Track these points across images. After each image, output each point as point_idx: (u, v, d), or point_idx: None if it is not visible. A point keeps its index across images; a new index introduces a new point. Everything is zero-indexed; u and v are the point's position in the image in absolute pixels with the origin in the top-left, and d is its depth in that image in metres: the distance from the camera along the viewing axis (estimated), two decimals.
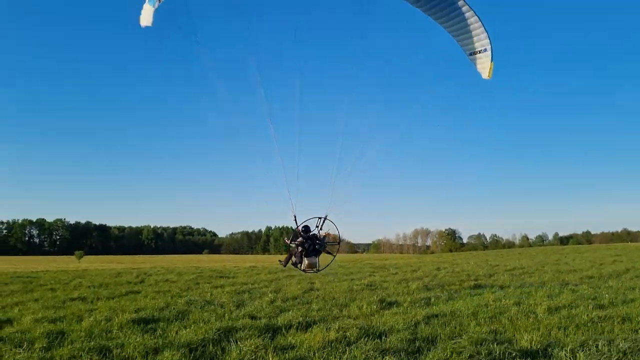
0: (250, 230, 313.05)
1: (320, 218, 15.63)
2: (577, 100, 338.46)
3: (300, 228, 15.46)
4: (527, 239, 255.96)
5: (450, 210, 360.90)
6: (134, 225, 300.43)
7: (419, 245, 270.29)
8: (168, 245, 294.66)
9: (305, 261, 15.43)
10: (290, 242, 15.71)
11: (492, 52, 16.08)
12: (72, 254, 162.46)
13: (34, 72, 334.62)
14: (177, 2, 14.56)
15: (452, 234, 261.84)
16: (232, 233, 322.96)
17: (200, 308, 19.87)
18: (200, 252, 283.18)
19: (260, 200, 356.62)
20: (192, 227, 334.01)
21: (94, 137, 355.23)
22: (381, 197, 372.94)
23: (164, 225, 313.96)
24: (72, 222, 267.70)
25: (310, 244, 15.43)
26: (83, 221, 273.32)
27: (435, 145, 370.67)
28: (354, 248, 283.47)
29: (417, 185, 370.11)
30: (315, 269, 15.79)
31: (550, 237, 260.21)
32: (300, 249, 15.46)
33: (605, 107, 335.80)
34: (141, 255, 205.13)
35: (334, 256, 16.75)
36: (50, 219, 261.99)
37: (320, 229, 15.79)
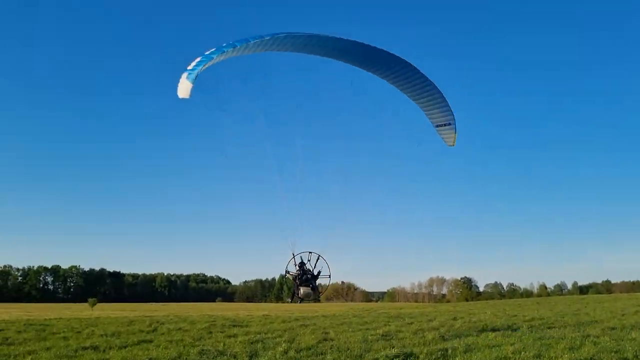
0: (264, 278, 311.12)
1: (311, 252, 18.08)
2: (595, 146, 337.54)
3: (296, 262, 17.86)
4: (546, 288, 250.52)
5: (466, 258, 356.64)
6: (147, 273, 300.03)
7: (434, 293, 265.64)
8: (181, 292, 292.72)
9: (301, 290, 18.02)
10: (287, 274, 18.37)
11: (455, 125, 18.60)
12: (85, 301, 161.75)
13: (55, 122, 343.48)
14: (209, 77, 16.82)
15: (468, 283, 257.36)
16: (246, 281, 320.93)
17: (213, 359, 19.60)
18: (213, 300, 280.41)
19: (274, 247, 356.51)
20: (206, 274, 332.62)
21: (108, 184, 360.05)
22: (396, 245, 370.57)
23: (178, 272, 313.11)
24: (87, 268, 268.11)
25: (303, 276, 18.08)
26: (97, 268, 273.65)
27: (448, 192, 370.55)
28: (368, 296, 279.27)
29: (432, 233, 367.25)
30: (311, 298, 18.11)
31: (569, 286, 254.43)
32: (296, 280, 18.06)
33: (625, 152, 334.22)
34: (154, 303, 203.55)
35: (322, 291, 19.26)
36: (65, 265, 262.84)
37: (309, 260, 18.21)
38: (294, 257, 17.79)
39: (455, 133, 18.84)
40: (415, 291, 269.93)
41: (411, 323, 38.10)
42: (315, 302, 18.93)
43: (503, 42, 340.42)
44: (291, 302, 19.62)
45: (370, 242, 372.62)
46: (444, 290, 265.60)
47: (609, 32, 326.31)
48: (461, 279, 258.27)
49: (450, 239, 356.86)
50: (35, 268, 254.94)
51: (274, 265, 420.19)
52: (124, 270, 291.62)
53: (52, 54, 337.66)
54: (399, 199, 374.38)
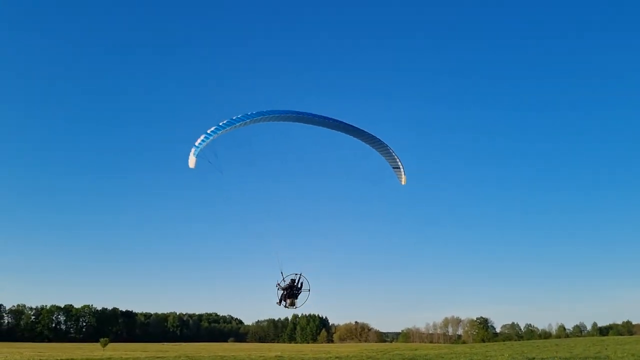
0: (276, 318, 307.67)
1: (297, 274, 24.84)
2: (615, 184, 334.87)
3: (286, 281, 24.94)
4: (564, 329, 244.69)
5: (482, 297, 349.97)
6: (159, 312, 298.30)
7: (449, 334, 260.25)
8: (193, 332, 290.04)
9: (288, 300, 25.01)
10: (279, 289, 25.04)
11: (403, 169, 24.49)
12: (97, 340, 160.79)
13: (72, 162, 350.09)
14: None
15: (484, 323, 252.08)
16: (259, 321, 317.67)
17: None
18: (225, 340, 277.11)
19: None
20: (218, 314, 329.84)
21: (120, 224, 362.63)
22: (410, 284, 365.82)
23: (190, 312, 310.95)
24: (99, 308, 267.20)
25: (290, 291, 24.88)
26: (109, 307, 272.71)
27: (464, 231, 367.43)
28: (382, 337, 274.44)
29: (447, 272, 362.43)
30: (294, 307, 25.19)
31: (589, 327, 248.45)
32: (285, 293, 25.00)
33: None
34: (166, 343, 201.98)
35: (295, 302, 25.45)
36: (77, 304, 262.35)
37: (300, 279, 25.07)
38: (282, 274, 24.71)
39: (404, 176, 24.78)
40: (431, 332, 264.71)
41: None
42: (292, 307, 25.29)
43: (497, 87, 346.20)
44: (279, 305, 25.33)
45: (384, 282, 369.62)
46: (460, 331, 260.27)
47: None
48: (477, 319, 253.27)
49: (466, 278, 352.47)
50: (48, 307, 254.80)
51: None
52: (136, 309, 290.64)
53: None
54: (412, 238, 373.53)
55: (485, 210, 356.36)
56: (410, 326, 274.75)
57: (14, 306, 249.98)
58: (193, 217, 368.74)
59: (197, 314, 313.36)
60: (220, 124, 21.27)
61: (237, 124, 21.05)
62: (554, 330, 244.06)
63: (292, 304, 24.55)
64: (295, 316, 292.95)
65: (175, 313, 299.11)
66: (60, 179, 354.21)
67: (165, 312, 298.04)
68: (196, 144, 21.10)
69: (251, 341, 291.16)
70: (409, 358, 48.05)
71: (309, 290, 24.35)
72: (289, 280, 24.37)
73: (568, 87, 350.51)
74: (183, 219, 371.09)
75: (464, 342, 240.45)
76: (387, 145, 23.83)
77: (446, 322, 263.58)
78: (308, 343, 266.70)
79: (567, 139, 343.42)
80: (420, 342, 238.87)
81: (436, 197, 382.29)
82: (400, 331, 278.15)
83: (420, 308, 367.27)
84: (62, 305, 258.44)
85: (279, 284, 24.44)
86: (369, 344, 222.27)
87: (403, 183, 24.05)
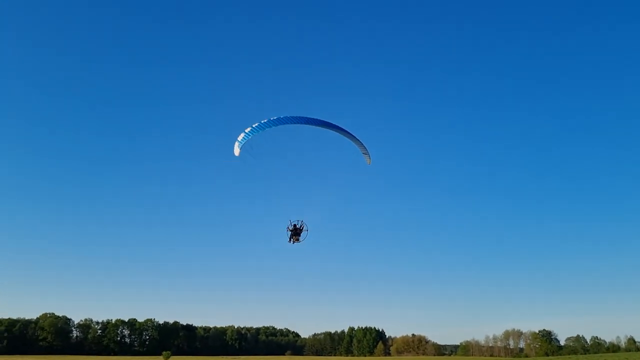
0: (333, 331, 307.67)
1: (299, 220, 35.34)
2: None
3: (294, 224, 35.56)
4: (634, 341, 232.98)
5: (544, 308, 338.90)
6: (218, 326, 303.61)
7: (511, 347, 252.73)
8: (251, 345, 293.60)
9: (294, 238, 35.42)
10: (288, 231, 35.54)
11: (369, 153, 33.04)
12: (160, 354, 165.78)
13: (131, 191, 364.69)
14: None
15: (547, 336, 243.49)
16: (315, 334, 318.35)
17: None
18: (282, 353, 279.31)
19: (342, 300, 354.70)
20: (275, 327, 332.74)
21: (180, 242, 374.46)
22: (468, 295, 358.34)
23: (248, 325, 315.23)
24: (161, 322, 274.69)
25: (295, 231, 35.37)
26: (171, 321, 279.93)
27: (524, 240, 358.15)
28: (440, 350, 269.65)
29: (508, 282, 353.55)
30: (299, 241, 35.22)
31: None
32: (292, 233, 35.69)
33: None
34: (225, 356, 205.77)
35: (299, 239, 36.14)
36: (141, 318, 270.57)
37: (301, 224, 35.80)
38: (290, 221, 34.29)
39: (370, 159, 33.85)
40: (491, 344, 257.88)
41: None
42: (297, 242, 35.26)
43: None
44: (289, 242, 34.89)
45: (442, 293, 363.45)
46: (522, 344, 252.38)
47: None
48: (539, 331, 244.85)
49: (528, 289, 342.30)
50: (113, 321, 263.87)
51: (342, 318, 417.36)
52: (196, 323, 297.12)
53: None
54: (471, 249, 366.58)
55: (547, 220, 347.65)
56: (469, 339, 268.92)
57: (81, 320, 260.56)
58: (250, 234, 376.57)
59: (254, 327, 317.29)
60: (254, 125, 28.29)
61: (270, 127, 27.88)
62: (622, 343, 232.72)
63: (297, 240, 34.09)
64: (351, 329, 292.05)
65: (234, 326, 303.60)
66: (125, 198, 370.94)
67: (224, 326, 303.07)
68: (239, 139, 28.53)
69: (308, 354, 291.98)
70: None
71: (307, 230, 33.18)
72: (293, 226, 33.90)
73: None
74: (240, 235, 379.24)
75: (526, 356, 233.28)
76: (360, 140, 32.58)
77: (507, 334, 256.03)
78: (365, 356, 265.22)
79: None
80: (480, 356, 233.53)
81: (496, 208, 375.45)
82: (459, 344, 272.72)
83: (479, 320, 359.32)
84: (127, 319, 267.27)
85: (288, 228, 33.49)
86: (427, 357, 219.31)
87: (368, 163, 33.28)
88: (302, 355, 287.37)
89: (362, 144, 30.04)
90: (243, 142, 26.88)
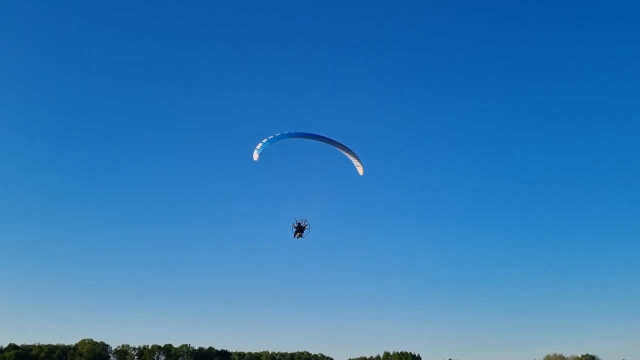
0: (368, 356, 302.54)
1: (303, 219, 41.27)
2: None
3: (299, 222, 41.96)
4: None
5: (588, 331, 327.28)
6: (253, 351, 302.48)
7: None
8: None
9: (298, 234, 41.21)
10: (293, 227, 41.15)
11: (361, 163, 35.81)
12: None
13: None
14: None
15: None
16: (350, 359, 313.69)
17: None
18: None
19: (377, 323, 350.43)
20: (310, 352, 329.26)
21: (212, 265, 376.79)
22: (508, 316, 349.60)
23: (282, 350, 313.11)
24: (196, 347, 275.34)
25: (299, 228, 41.59)
26: (206, 346, 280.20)
27: (565, 256, 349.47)
28: None
29: (548, 302, 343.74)
30: (302, 237, 40.79)
31: None
32: (296, 229, 42.07)
33: None
34: None
35: (302, 235, 41.97)
36: (176, 344, 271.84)
37: (305, 222, 42.01)
38: (295, 219, 38.10)
39: (363, 170, 36.51)
40: None
41: None
42: (300, 237, 40.07)
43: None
44: (294, 237, 38.20)
45: (480, 315, 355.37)
46: None
47: None
48: (583, 356, 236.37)
49: (570, 309, 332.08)
50: (149, 347, 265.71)
51: (377, 342, 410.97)
52: (231, 348, 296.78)
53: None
54: (511, 267, 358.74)
55: (589, 236, 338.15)
56: None
57: (119, 346, 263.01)
58: (283, 259, 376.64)
59: (289, 352, 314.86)
60: (270, 137, 32.99)
61: (281, 140, 32.28)
62: None
63: (300, 236, 38.13)
64: (387, 354, 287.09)
65: (268, 352, 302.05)
66: (164, 224, 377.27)
67: (259, 351, 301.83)
68: (257, 147, 33.02)
69: None
70: None
71: (309, 228, 37.04)
72: (297, 223, 38.11)
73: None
74: (274, 261, 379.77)
75: None
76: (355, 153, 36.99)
77: (548, 359, 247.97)
78: None
79: None
80: None
81: (536, 225, 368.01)
82: None
83: (520, 343, 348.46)
84: (162, 345, 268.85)
85: (293, 225, 37.40)
86: None
87: (361, 174, 36.07)
88: None
89: (356, 156, 34.01)
90: (261, 150, 32.03)
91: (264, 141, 32.00)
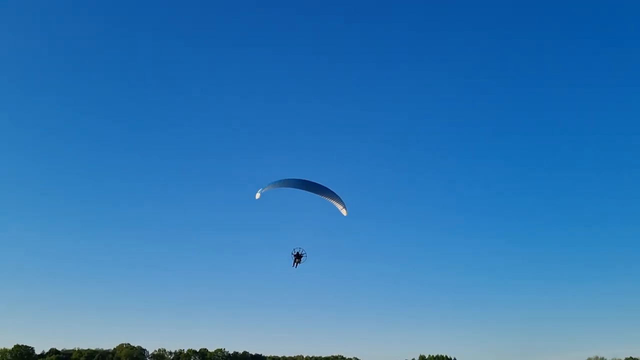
0: (403, 359, 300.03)
1: (301, 248, 45.16)
2: None
3: (297, 251, 45.86)
4: None
5: (632, 332, 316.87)
6: (287, 355, 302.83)
7: None
8: None
9: (297, 262, 44.74)
10: (292, 255, 45.65)
11: (344, 205, 40.79)
12: None
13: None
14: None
15: None
16: None
17: None
18: None
19: (410, 325, 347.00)
20: (344, 356, 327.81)
21: (248, 270, 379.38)
22: (547, 318, 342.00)
23: (317, 354, 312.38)
24: (231, 351, 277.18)
25: (297, 256, 45.94)
26: (240, 351, 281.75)
27: (606, 253, 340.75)
28: None
29: (591, 303, 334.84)
30: (299, 263, 44.74)
31: None
32: (295, 258, 46.39)
33: None
34: None
35: (300, 261, 45.01)
36: (211, 348, 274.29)
37: (301, 251, 46.06)
38: (294, 249, 41.06)
39: (346, 211, 39.89)
40: None
41: None
42: (298, 264, 42.19)
43: None
44: (293, 267, 40.90)
45: (518, 317, 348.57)
46: None
47: None
48: (627, 359, 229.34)
49: (613, 310, 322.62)
50: (185, 351, 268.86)
51: (412, 345, 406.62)
52: (265, 352, 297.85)
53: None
54: (550, 268, 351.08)
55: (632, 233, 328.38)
56: None
57: (155, 351, 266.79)
58: (317, 264, 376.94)
59: (323, 356, 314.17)
60: (274, 182, 39.27)
61: (282, 185, 38.58)
62: None
63: (299, 262, 39.93)
64: (422, 357, 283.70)
65: (302, 356, 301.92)
66: (196, 229, 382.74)
67: (293, 355, 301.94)
68: (259, 190, 38.76)
69: None
70: None
71: (306, 255, 40.14)
72: (296, 253, 40.87)
73: None
74: (306, 264, 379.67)
75: None
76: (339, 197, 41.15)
77: None
78: None
79: None
80: None
81: (577, 221, 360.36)
82: None
83: (559, 346, 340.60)
84: (198, 349, 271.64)
85: (292, 254, 39.91)
86: None
87: (345, 214, 39.84)
88: None
89: (341, 200, 38.61)
90: (262, 191, 37.95)
91: (267, 186, 38.20)
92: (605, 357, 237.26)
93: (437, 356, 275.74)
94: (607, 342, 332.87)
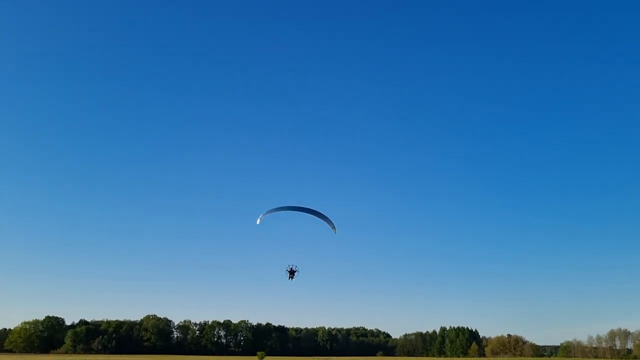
0: (424, 331, 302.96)
1: (294, 265, 42.10)
2: None
3: (291, 268, 41.91)
4: None
5: None
6: (309, 327, 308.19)
7: (617, 348, 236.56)
8: (342, 346, 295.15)
9: (291, 276, 41.64)
10: (287, 271, 41.88)
11: (333, 225, 41.87)
12: (254, 354, 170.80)
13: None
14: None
15: None
16: (406, 334, 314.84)
17: None
18: (374, 354, 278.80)
19: (433, 298, 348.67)
20: (366, 327, 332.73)
21: (271, 246, 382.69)
22: (569, 292, 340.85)
23: (338, 326, 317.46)
24: (254, 323, 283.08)
25: (292, 272, 41.83)
26: (264, 322, 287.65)
27: (628, 229, 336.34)
28: (539, 351, 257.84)
29: (613, 277, 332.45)
30: (294, 278, 42.03)
31: None
32: (290, 273, 41.84)
33: None
34: (317, 357, 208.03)
35: (294, 274, 42.49)
36: (235, 320, 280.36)
37: (294, 268, 42.34)
38: (288, 265, 41.80)
39: (335, 230, 42.62)
40: (594, 345, 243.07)
41: None
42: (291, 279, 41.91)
43: None
44: (289, 279, 41.83)
45: (539, 290, 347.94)
46: (630, 345, 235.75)
47: None
48: None
49: (635, 283, 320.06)
50: (210, 323, 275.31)
51: (434, 318, 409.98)
52: (288, 324, 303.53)
53: None
54: (571, 241, 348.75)
55: None
56: (570, 339, 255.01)
57: (181, 322, 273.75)
58: (340, 236, 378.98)
59: (345, 328, 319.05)
60: (271, 209, 41.75)
61: (280, 210, 41.61)
62: None
63: (292, 277, 41.85)
64: (443, 329, 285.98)
65: (325, 328, 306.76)
66: (221, 204, 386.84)
67: (315, 327, 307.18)
68: (260, 216, 41.62)
69: (400, 355, 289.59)
70: None
71: (298, 271, 41.84)
72: (290, 269, 41.72)
73: None
74: (329, 238, 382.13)
75: (634, 358, 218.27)
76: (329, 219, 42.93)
77: (612, 334, 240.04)
78: (458, 357, 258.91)
79: None
80: (583, 357, 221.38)
81: (598, 193, 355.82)
82: (560, 345, 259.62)
83: (581, 319, 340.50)
84: (222, 321, 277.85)
85: (286, 270, 41.55)
86: (525, 358, 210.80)
87: (335, 232, 42.80)
88: (394, 356, 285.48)
89: (331, 221, 42.06)
90: (262, 217, 41.34)
91: (266, 213, 41.87)
92: (628, 329, 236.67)
93: (459, 327, 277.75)
94: (630, 315, 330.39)
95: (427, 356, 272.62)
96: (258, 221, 42.13)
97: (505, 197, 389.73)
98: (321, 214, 43.46)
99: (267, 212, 42.15)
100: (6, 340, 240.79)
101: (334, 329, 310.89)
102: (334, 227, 43.01)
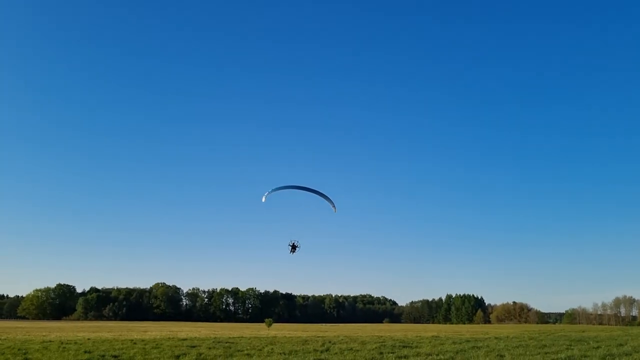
0: (430, 299, 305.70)
1: (296, 240, 42.82)
2: None
3: (293, 243, 42.47)
4: None
5: None
6: (316, 294, 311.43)
7: (622, 315, 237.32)
8: (349, 313, 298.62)
9: (293, 250, 42.31)
10: (289, 245, 42.38)
11: (333, 204, 42.86)
12: (262, 321, 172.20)
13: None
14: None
15: None
16: (412, 301, 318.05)
17: None
18: (380, 321, 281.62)
19: (438, 267, 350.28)
20: (372, 295, 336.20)
21: (278, 215, 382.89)
22: (574, 259, 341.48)
23: (345, 293, 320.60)
24: (262, 290, 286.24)
25: (294, 246, 42.38)
26: (271, 290, 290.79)
27: (634, 196, 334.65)
28: (544, 318, 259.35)
29: (617, 244, 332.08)
30: (295, 252, 42.61)
31: None
32: (292, 247, 42.31)
33: None
34: (324, 324, 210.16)
35: (295, 249, 42.86)
36: (243, 288, 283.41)
37: (297, 243, 42.84)
38: (290, 240, 42.34)
39: (335, 209, 43.17)
40: (599, 312, 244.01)
41: (597, 347, 34.95)
42: (293, 253, 42.81)
43: None
44: (290, 253, 42.60)
45: (542, 259, 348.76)
46: (634, 312, 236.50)
47: None
48: None
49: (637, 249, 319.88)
50: (218, 290, 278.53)
51: (440, 285, 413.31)
52: (295, 292, 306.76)
53: None
54: (576, 209, 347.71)
55: None
56: (575, 306, 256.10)
57: (190, 289, 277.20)
58: (345, 205, 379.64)
59: (352, 295, 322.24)
60: (275, 187, 42.52)
61: (284, 189, 42.29)
62: None
63: (294, 251, 42.66)
64: (449, 296, 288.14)
65: (332, 295, 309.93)
66: (230, 176, 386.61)
67: (322, 295, 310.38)
68: (265, 194, 42.06)
69: (406, 322, 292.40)
70: (576, 339, 45.06)
71: (299, 246, 42.67)
72: (292, 243, 42.50)
73: None
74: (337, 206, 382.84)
75: (639, 325, 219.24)
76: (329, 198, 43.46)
77: (617, 302, 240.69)
78: (464, 324, 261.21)
79: None
80: (587, 324, 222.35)
81: (603, 159, 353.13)
82: (564, 312, 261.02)
83: (586, 287, 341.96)
84: (230, 288, 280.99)
85: (289, 244, 42.52)
86: (530, 325, 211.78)
87: (335, 211, 43.45)
88: (400, 323, 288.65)
89: (331, 200, 43.18)
90: (267, 195, 42.20)
91: (271, 190, 42.69)
92: (633, 297, 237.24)
93: (465, 295, 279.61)
94: (636, 282, 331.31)
95: (432, 323, 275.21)
96: (263, 199, 42.81)
97: (510, 163, 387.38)
98: (323, 194, 43.85)
99: (272, 190, 42.75)
100: (19, 307, 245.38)
101: (340, 296, 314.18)
102: (334, 206, 43.65)
